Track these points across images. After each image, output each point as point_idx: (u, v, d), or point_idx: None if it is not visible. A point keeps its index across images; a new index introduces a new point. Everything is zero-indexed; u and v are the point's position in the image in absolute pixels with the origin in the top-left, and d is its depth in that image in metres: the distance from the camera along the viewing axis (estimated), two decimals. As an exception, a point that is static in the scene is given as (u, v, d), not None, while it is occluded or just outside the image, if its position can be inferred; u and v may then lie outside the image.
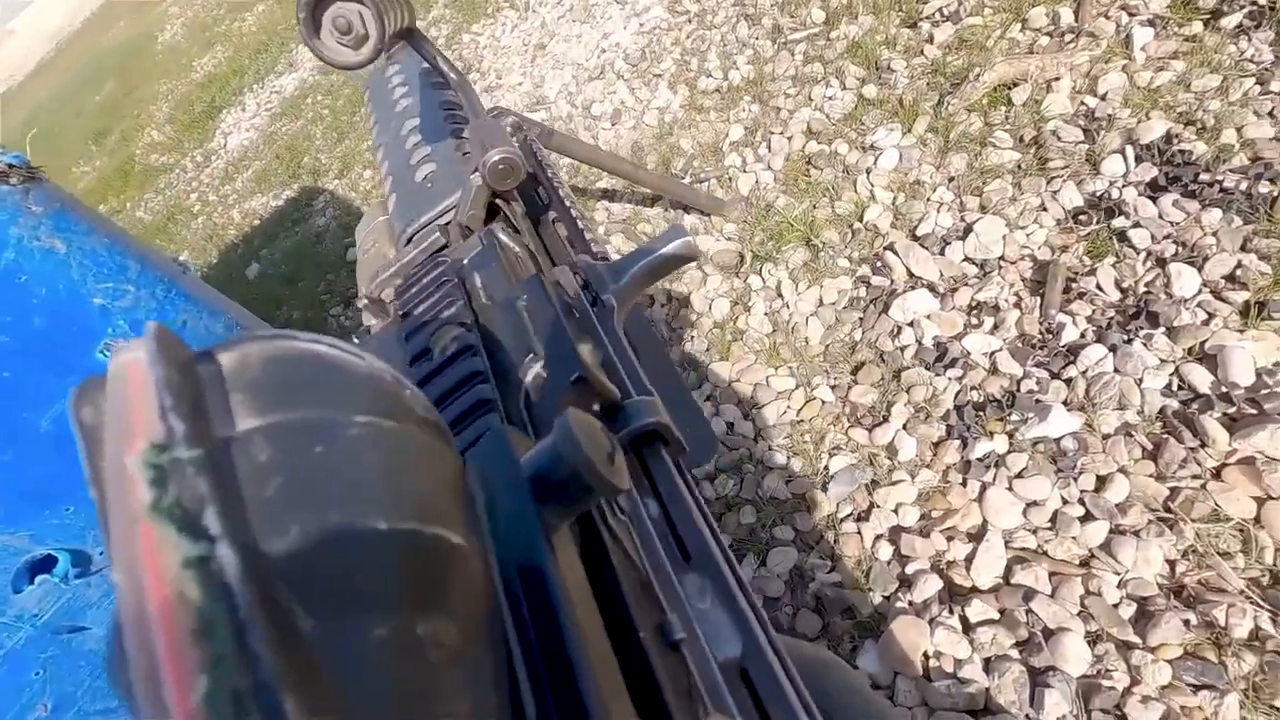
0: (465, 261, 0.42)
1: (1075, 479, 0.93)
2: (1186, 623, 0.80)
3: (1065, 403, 0.98)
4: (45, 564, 0.91)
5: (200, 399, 0.12)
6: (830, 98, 1.52)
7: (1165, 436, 0.91)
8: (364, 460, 0.14)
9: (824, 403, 1.16)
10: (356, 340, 0.47)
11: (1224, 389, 0.90)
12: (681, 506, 0.27)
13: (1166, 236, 1.04)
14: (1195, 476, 0.88)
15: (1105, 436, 0.94)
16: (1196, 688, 0.77)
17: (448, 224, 0.50)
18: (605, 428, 0.20)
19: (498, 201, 0.51)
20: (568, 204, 0.54)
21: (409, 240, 0.52)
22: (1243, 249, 0.99)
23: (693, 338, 1.35)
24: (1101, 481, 0.91)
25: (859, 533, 1.02)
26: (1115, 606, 0.83)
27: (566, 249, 0.51)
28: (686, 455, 0.30)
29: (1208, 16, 1.21)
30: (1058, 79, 1.28)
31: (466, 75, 2.64)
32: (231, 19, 5.20)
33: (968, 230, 1.20)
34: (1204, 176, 1.07)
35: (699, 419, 0.41)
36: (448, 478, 0.16)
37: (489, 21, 2.73)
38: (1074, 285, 1.07)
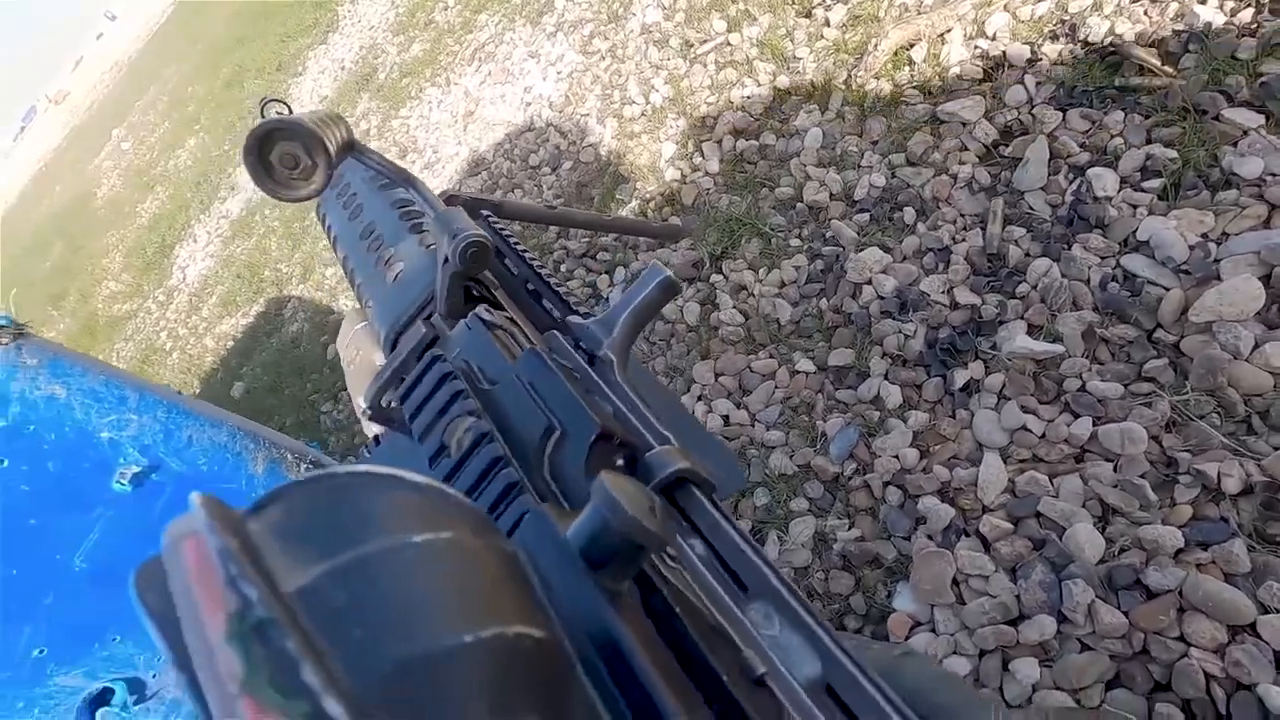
0: (458, 350, 0.43)
1: (1057, 383, 0.98)
2: (1184, 487, 0.84)
3: (1024, 317, 1.03)
4: (103, 697, 0.93)
5: (259, 559, 0.12)
6: (748, 96, 1.61)
7: (1122, 325, 0.96)
8: (433, 579, 0.14)
9: (807, 374, 1.21)
10: (368, 452, 0.47)
11: (1164, 267, 0.96)
12: (726, 540, 0.27)
13: (1082, 146, 1.12)
14: (1158, 355, 0.93)
15: (1069, 337, 0.99)
16: (1205, 545, 0.81)
17: (429, 317, 0.49)
18: (639, 482, 0.20)
19: (472, 284, 0.51)
20: (538, 269, 0.54)
21: (394, 342, 0.52)
22: (1148, 141, 1.06)
23: (672, 345, 1.40)
24: (1079, 379, 0.96)
25: (866, 485, 1.06)
26: (1115, 487, 0.87)
27: (547, 314, 0.52)
28: (716, 490, 0.30)
29: (1067, -54, 1.30)
30: (949, 31, 1.37)
31: (404, 157, 2.68)
32: (166, 159, 5.30)
33: (902, 185, 1.26)
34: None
35: (720, 450, 0.41)
36: (509, 572, 0.16)
37: (415, 103, 2.83)
38: (1009, 212, 1.14)
